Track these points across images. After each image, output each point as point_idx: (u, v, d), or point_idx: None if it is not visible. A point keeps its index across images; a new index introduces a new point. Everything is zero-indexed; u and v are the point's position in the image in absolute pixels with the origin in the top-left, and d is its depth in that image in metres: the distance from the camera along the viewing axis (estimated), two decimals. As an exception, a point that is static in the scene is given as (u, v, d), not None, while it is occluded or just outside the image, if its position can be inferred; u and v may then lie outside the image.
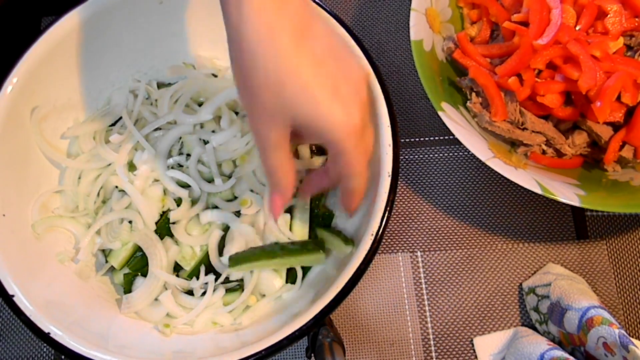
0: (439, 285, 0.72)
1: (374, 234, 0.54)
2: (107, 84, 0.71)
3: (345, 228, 0.64)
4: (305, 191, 0.63)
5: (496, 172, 0.64)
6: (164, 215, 0.66)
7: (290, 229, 0.66)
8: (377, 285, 0.72)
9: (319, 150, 0.72)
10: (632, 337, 0.69)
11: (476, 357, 0.69)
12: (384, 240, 0.74)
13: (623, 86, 0.64)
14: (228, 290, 0.64)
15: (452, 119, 0.66)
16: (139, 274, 0.65)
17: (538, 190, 0.62)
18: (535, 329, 0.69)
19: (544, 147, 0.70)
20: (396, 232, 0.74)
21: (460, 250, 0.73)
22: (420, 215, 0.75)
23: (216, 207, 0.67)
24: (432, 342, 0.70)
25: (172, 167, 0.68)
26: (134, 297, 0.62)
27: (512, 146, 0.72)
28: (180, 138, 0.69)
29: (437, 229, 0.74)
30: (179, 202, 0.66)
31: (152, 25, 0.69)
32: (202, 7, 0.69)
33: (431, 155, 0.78)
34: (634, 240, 0.73)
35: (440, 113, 0.66)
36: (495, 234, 0.74)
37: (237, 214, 0.67)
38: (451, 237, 0.74)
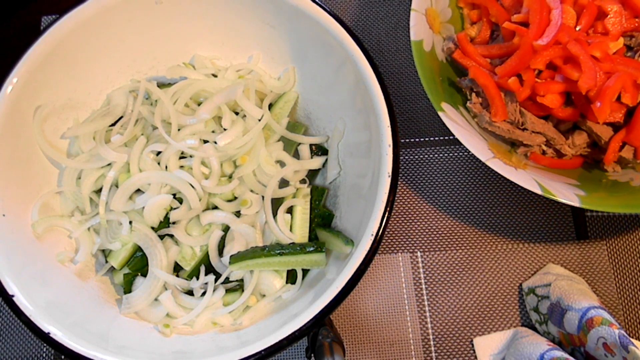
0: (439, 285, 0.72)
1: (374, 234, 0.54)
2: (107, 84, 0.71)
3: (345, 228, 0.64)
4: None
5: (496, 172, 0.64)
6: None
7: (291, 229, 0.66)
8: (377, 285, 0.72)
9: (319, 150, 0.72)
10: (632, 337, 0.69)
11: (476, 357, 0.69)
12: (384, 240, 0.74)
13: (623, 87, 0.64)
14: (228, 291, 0.64)
15: (452, 119, 0.66)
16: (139, 274, 0.65)
17: (538, 191, 0.62)
18: (535, 330, 0.69)
19: (544, 148, 0.70)
20: (396, 232, 0.74)
21: (460, 251, 0.73)
22: (420, 215, 0.75)
23: (216, 208, 0.67)
24: (432, 342, 0.70)
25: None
26: (134, 297, 0.62)
27: (512, 146, 0.71)
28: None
29: (437, 229, 0.74)
30: (179, 201, 0.66)
31: (151, 26, 0.69)
32: (201, 8, 0.69)
33: (431, 156, 0.78)
34: (634, 240, 0.73)
35: (440, 113, 0.66)
36: (495, 234, 0.74)
37: (237, 214, 0.67)
38: (451, 237, 0.74)
